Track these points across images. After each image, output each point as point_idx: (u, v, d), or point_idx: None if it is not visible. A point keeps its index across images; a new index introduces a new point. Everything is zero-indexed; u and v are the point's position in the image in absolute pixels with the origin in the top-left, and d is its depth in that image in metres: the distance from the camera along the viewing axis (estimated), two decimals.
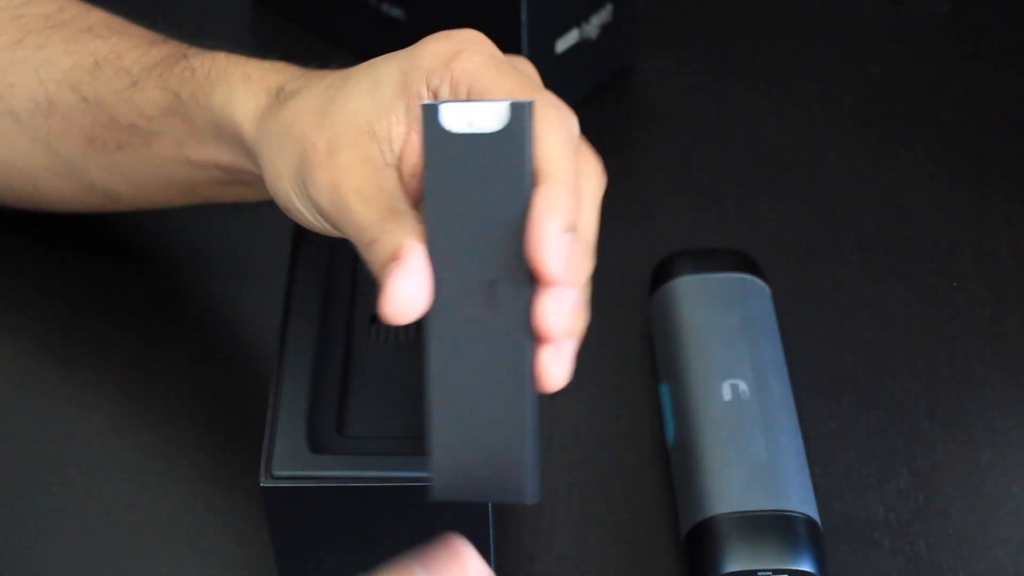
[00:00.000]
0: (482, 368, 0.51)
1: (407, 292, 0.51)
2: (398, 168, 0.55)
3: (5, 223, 0.77)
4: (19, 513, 0.66)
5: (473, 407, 0.51)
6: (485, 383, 0.51)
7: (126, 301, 0.75)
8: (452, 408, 0.52)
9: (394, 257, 0.51)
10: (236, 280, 0.76)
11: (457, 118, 0.51)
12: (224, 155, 0.64)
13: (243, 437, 0.68)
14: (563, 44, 0.81)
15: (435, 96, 0.55)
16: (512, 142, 0.50)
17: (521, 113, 0.50)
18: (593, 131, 0.83)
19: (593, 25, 0.82)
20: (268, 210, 0.78)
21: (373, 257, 0.53)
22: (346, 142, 0.55)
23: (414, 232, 0.51)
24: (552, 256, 0.50)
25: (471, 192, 0.50)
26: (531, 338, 0.51)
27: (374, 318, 0.67)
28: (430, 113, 0.50)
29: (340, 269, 0.68)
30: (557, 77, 0.82)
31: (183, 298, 0.75)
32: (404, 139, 0.55)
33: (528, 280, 0.51)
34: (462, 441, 0.52)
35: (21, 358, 0.73)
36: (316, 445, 0.60)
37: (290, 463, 0.59)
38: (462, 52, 0.55)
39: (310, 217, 0.58)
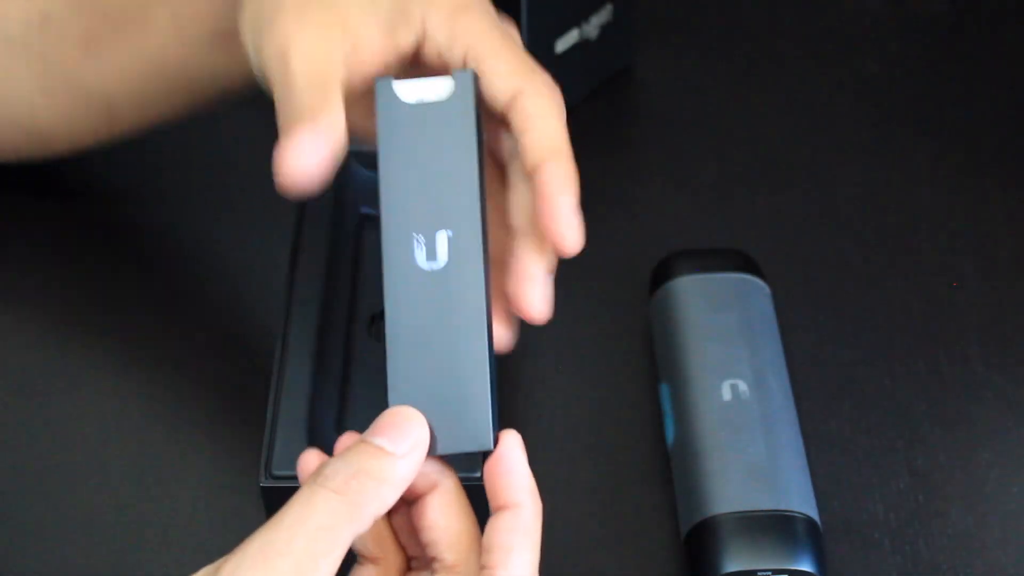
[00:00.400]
0: (439, 319, 0.53)
1: (307, 150, 0.53)
2: (347, 69, 0.56)
3: (4, 222, 0.77)
4: (19, 513, 0.66)
5: (430, 357, 0.53)
6: (442, 333, 0.53)
7: (126, 302, 0.75)
8: (409, 359, 0.53)
9: (311, 119, 0.53)
10: (237, 280, 0.76)
11: (408, 93, 0.55)
12: (215, 3, 0.65)
13: (243, 437, 0.68)
14: (563, 44, 0.81)
15: (424, 36, 0.57)
16: (459, 107, 0.54)
17: (466, 81, 0.54)
18: (593, 131, 0.83)
19: (593, 25, 0.82)
20: (269, 212, 0.78)
21: (287, 121, 0.54)
22: (316, 20, 0.56)
23: (337, 113, 0.53)
24: (569, 231, 0.54)
25: (423, 155, 0.54)
26: (487, 287, 0.53)
27: (374, 318, 0.67)
28: (384, 85, 0.55)
29: (340, 269, 0.68)
30: (557, 77, 0.82)
31: (183, 298, 0.75)
32: (369, 49, 0.56)
33: (481, 233, 0.53)
34: (420, 391, 0.52)
35: (20, 359, 0.73)
36: (316, 445, 0.60)
37: (290, 463, 0.59)
38: (470, 8, 0.57)
39: (252, 58, 0.58)
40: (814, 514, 0.62)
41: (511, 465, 0.51)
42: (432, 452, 0.52)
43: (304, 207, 0.70)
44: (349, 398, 0.64)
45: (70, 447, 0.69)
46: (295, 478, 0.59)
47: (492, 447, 0.52)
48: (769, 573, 0.60)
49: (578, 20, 0.81)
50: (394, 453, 0.50)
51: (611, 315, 0.73)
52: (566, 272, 0.76)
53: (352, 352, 0.66)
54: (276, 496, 0.59)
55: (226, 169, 0.81)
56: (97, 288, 0.75)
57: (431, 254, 0.53)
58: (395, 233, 0.53)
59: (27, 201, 0.78)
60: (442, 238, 0.53)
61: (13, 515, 0.66)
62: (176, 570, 0.64)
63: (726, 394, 0.65)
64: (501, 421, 0.53)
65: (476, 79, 0.55)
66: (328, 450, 0.61)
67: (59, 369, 0.72)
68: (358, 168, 0.72)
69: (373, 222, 0.72)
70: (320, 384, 0.63)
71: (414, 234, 0.53)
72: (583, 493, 0.67)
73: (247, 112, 0.85)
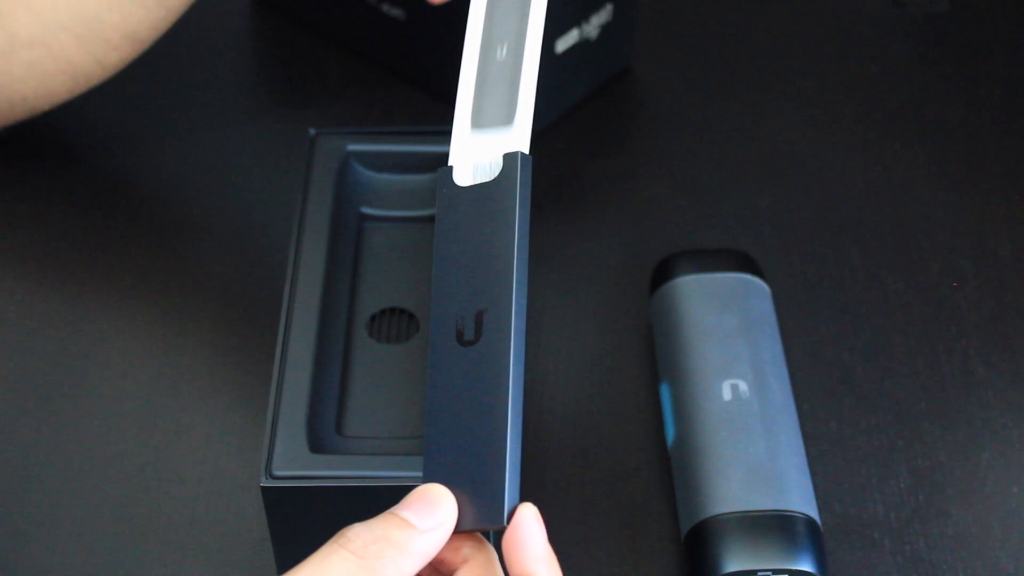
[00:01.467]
0: (468, 397, 0.53)
1: None
2: None
3: (5, 220, 0.78)
4: (19, 513, 0.66)
5: (459, 434, 0.53)
6: (470, 411, 0.53)
7: (128, 301, 0.75)
8: (442, 435, 0.53)
9: None
10: (237, 280, 0.76)
11: (463, 177, 0.57)
12: None
13: (243, 437, 0.68)
14: (563, 44, 0.81)
15: None
16: (506, 187, 0.56)
17: (514, 162, 0.55)
18: (593, 131, 0.83)
19: (593, 25, 0.82)
20: (270, 214, 0.78)
21: None
22: None
23: None
24: None
25: (471, 233, 0.55)
26: (514, 365, 0.53)
27: (374, 318, 0.67)
28: (444, 174, 0.57)
29: (340, 269, 0.68)
30: (557, 77, 0.82)
31: (184, 298, 0.75)
32: None
33: (510, 309, 0.53)
34: (448, 468, 0.53)
35: (20, 358, 0.73)
36: (316, 445, 0.60)
37: (290, 463, 0.59)
38: None
39: None
40: (814, 514, 0.62)
41: (525, 537, 0.51)
42: (455, 529, 0.53)
43: (304, 207, 0.70)
44: (349, 398, 0.64)
45: (70, 447, 0.69)
46: (295, 478, 0.59)
47: (505, 526, 0.52)
48: (769, 573, 0.60)
49: (578, 20, 0.81)
50: (417, 527, 0.51)
51: (611, 315, 0.73)
52: (566, 272, 0.76)
53: (352, 352, 0.66)
54: (276, 496, 0.59)
55: (227, 170, 0.81)
56: (97, 289, 0.75)
57: (468, 332, 0.54)
58: (439, 311, 0.55)
59: (28, 200, 0.78)
60: (479, 317, 0.54)
61: (13, 515, 0.66)
62: (176, 570, 0.64)
63: (726, 394, 0.65)
64: None
65: (525, 160, 0.56)
66: (328, 450, 0.61)
67: (59, 369, 0.72)
68: (358, 168, 0.72)
69: (373, 222, 0.72)
70: (320, 384, 0.63)
71: (455, 312, 0.54)
72: (583, 493, 0.67)
73: (248, 119, 0.86)
